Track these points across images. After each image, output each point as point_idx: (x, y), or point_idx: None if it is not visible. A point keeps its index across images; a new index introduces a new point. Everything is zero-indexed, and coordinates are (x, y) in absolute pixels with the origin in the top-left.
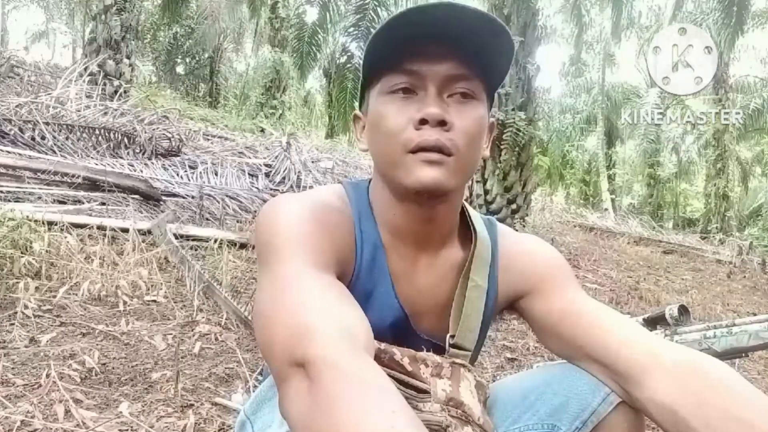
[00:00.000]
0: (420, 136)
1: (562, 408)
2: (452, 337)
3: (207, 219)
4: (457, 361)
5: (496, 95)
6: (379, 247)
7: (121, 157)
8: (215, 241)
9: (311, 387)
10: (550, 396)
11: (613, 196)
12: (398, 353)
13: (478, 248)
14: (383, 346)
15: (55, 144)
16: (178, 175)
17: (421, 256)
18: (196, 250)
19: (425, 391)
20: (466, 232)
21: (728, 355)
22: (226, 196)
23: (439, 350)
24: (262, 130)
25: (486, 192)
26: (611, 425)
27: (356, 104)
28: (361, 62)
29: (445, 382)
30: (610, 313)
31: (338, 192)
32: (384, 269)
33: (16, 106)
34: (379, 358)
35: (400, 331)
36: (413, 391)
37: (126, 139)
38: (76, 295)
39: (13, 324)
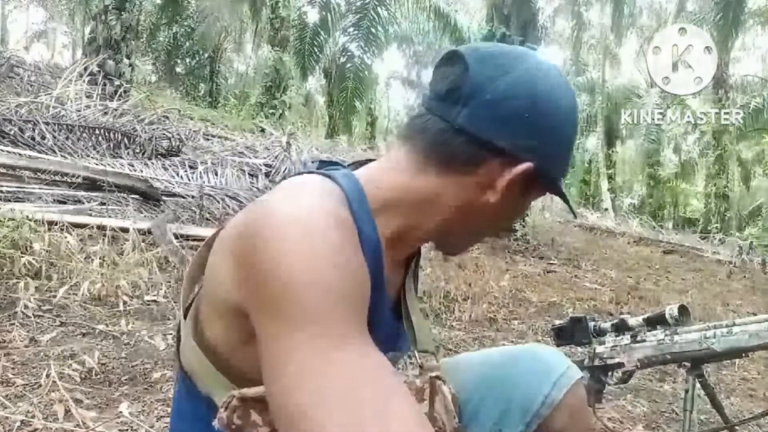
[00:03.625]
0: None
1: (506, 414)
2: (419, 348)
3: (207, 219)
4: (433, 374)
5: None
6: (380, 257)
7: (121, 157)
8: None
9: None
10: (492, 402)
11: (613, 196)
12: None
13: None
14: None
15: (55, 144)
16: (178, 175)
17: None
18: (196, 250)
19: None
20: None
21: (728, 355)
22: (226, 196)
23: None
24: (262, 130)
25: None
26: (553, 423)
27: (358, 103)
28: (550, 148)
29: (424, 406)
30: None
31: (336, 195)
32: (382, 280)
33: (16, 106)
34: None
35: (393, 338)
36: None
37: (126, 139)
38: (76, 295)
39: (13, 324)
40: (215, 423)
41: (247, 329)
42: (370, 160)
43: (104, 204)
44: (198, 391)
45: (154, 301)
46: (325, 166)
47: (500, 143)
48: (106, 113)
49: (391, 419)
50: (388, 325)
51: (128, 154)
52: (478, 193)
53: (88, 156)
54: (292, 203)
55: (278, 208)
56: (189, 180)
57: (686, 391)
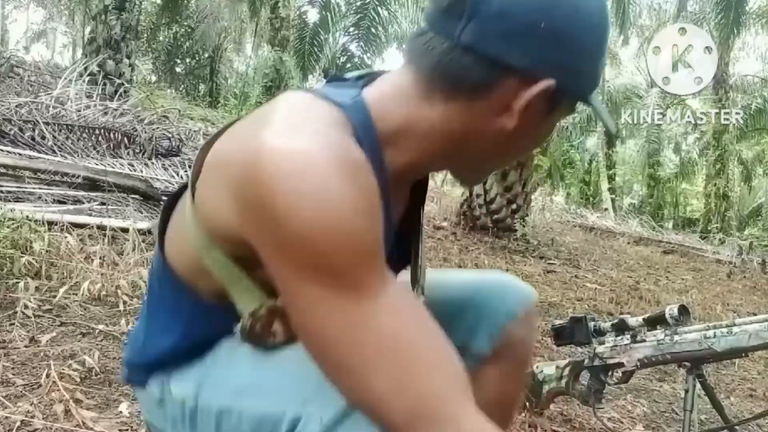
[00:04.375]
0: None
1: (474, 330)
2: (420, 280)
3: None
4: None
5: None
6: (389, 195)
7: (121, 157)
8: None
9: None
10: (462, 321)
11: (613, 196)
12: None
13: None
14: None
15: (55, 144)
16: (178, 175)
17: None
18: None
19: None
20: None
21: (728, 355)
22: None
23: None
24: None
25: (486, 192)
26: (513, 334)
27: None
28: (576, 62)
29: None
30: None
31: (342, 124)
32: (389, 218)
33: (16, 106)
34: None
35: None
36: None
37: (126, 139)
38: (76, 295)
39: (13, 324)
40: (236, 328)
41: (254, 258)
42: (378, 74)
43: (104, 204)
44: (178, 279)
45: None
46: (334, 80)
47: (513, 60)
48: (106, 113)
49: (435, 369)
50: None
51: (128, 154)
52: (492, 119)
53: (88, 156)
54: (299, 140)
55: (283, 147)
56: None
57: (686, 391)
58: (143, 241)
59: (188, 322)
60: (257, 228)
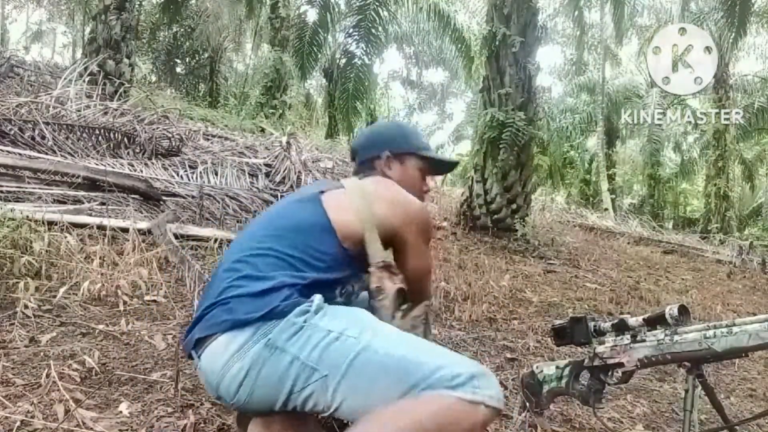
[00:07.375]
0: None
1: None
2: None
3: (207, 219)
4: None
5: (496, 95)
6: None
7: (121, 157)
8: (215, 241)
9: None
10: None
11: (613, 196)
12: None
13: None
14: None
15: (55, 144)
16: (178, 175)
17: None
18: (196, 250)
19: None
20: None
21: (728, 355)
22: (226, 195)
23: None
24: (262, 130)
25: (486, 192)
26: None
27: (359, 104)
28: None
29: None
30: None
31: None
32: None
33: (16, 106)
34: None
35: None
36: None
37: (126, 139)
38: (76, 295)
39: (13, 324)
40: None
41: (385, 238)
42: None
43: (104, 204)
44: (336, 234)
45: (154, 301)
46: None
47: (385, 150)
48: (106, 113)
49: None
50: None
51: (128, 154)
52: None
53: (88, 156)
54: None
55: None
56: (189, 180)
57: (686, 391)
58: (143, 241)
59: (335, 259)
60: (405, 222)
